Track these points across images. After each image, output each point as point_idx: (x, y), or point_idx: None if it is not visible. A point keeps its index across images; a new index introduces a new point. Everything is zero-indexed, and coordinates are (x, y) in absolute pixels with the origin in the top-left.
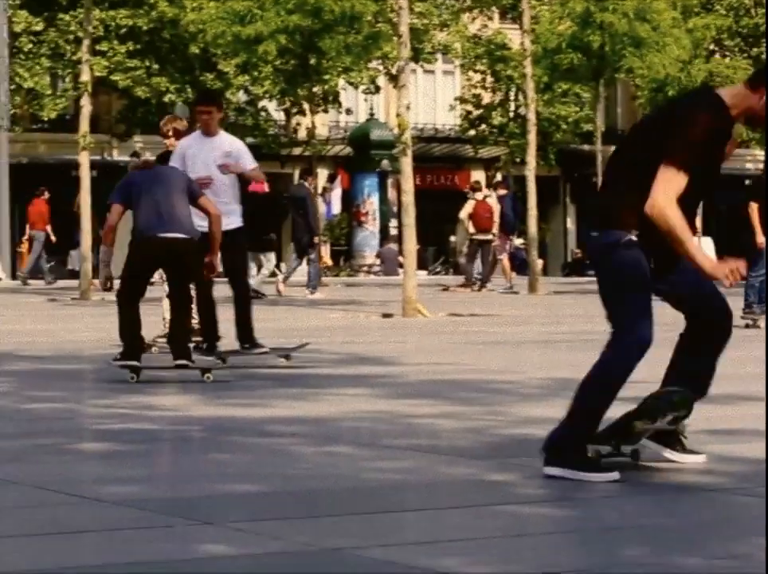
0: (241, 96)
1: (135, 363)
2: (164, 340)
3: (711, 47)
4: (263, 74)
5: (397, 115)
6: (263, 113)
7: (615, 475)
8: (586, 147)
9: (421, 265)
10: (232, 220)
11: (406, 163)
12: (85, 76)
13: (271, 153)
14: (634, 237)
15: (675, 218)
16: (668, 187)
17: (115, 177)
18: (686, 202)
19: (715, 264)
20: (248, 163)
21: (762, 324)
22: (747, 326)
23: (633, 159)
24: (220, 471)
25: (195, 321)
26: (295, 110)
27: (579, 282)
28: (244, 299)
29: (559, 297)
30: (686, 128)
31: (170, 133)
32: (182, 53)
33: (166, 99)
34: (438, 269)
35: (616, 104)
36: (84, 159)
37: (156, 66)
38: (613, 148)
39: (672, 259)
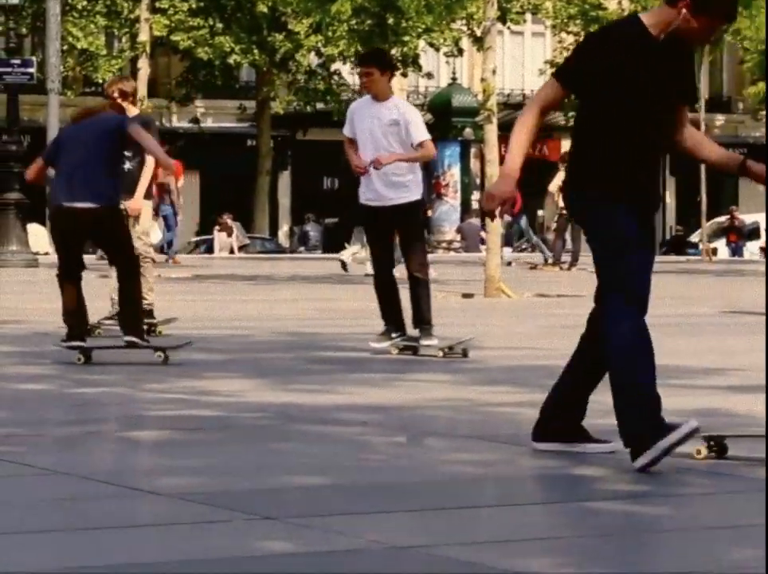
0: (313, 59)
1: (81, 343)
2: (111, 321)
3: None
4: (337, 34)
5: (482, 79)
6: (335, 77)
7: (611, 446)
8: (690, 115)
9: (507, 241)
10: (404, 193)
11: (491, 131)
12: (143, 36)
13: (344, 120)
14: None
15: (520, 124)
16: (536, 95)
17: (174, 145)
18: (632, 143)
19: (497, 193)
20: (417, 136)
21: None
22: None
23: (581, 110)
24: (283, 462)
25: (147, 302)
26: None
27: (678, 261)
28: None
29: (655, 277)
30: (574, 51)
31: (116, 94)
32: (248, 11)
33: (230, 60)
34: (525, 246)
35: (722, 68)
36: None
37: (220, 25)
38: (718, 116)
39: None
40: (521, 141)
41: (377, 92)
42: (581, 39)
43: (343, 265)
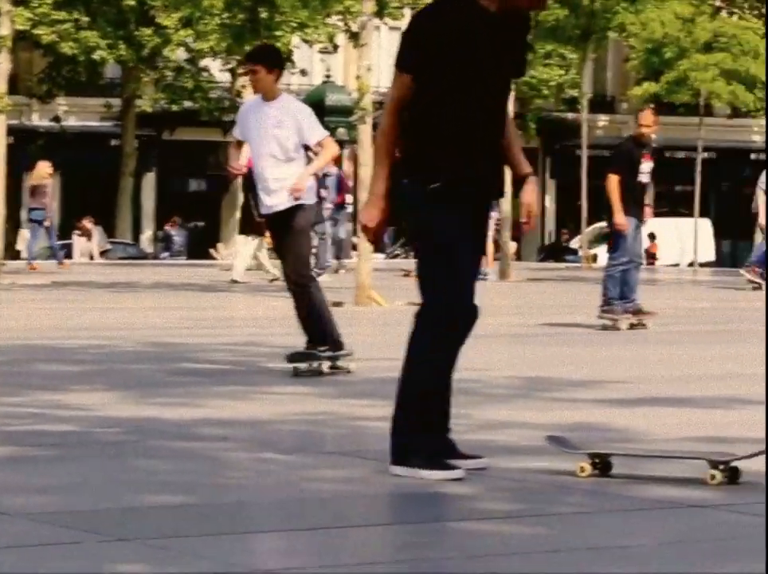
0: (181, 54)
1: None
2: None
3: (718, 3)
4: (207, 29)
5: (357, 77)
6: (204, 74)
7: (459, 472)
8: (570, 115)
9: (378, 247)
10: (284, 199)
11: (365, 132)
12: (5, 30)
13: (212, 119)
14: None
15: (381, 134)
16: (389, 97)
17: (34, 144)
18: (468, 119)
19: (370, 223)
20: (312, 136)
21: (623, 325)
22: (605, 328)
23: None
24: (140, 480)
25: None
26: (241, 70)
27: (557, 268)
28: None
29: (533, 285)
30: (406, 35)
31: None
32: (115, 5)
33: (95, 56)
34: (397, 252)
35: (605, 67)
36: (0, 123)
37: (86, 19)
38: (601, 117)
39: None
40: (385, 153)
41: (264, 92)
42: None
43: (234, 281)
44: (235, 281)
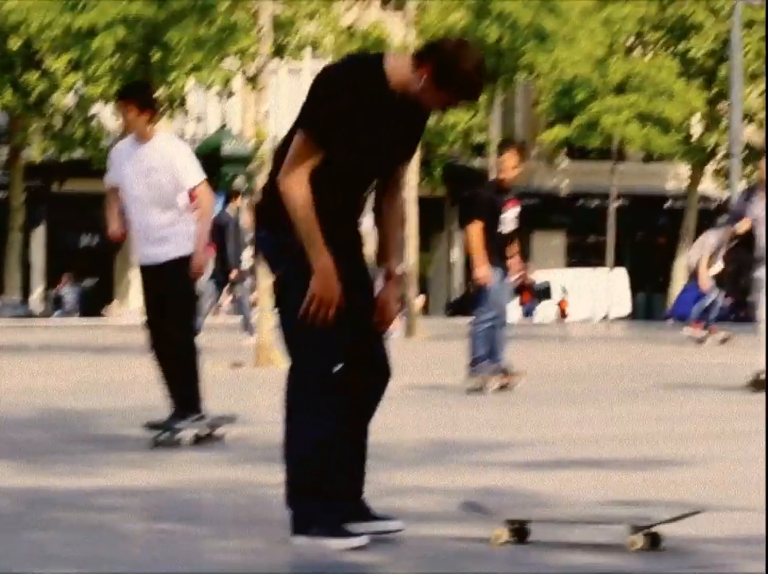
0: (71, 100)
1: None
2: None
3: (630, 42)
4: (97, 73)
5: (255, 123)
6: (95, 121)
7: (362, 540)
8: (478, 161)
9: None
10: (166, 248)
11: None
12: None
13: (103, 169)
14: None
15: (300, 199)
16: (295, 161)
17: None
18: (346, 192)
19: (326, 299)
20: (186, 181)
21: (492, 386)
22: (471, 390)
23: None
24: (34, 553)
25: None
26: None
27: (464, 324)
28: None
29: (440, 343)
30: (316, 95)
31: None
32: (0, 48)
33: None
34: None
35: (514, 110)
36: None
37: None
38: None
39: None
40: (315, 224)
41: (136, 132)
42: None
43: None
44: None
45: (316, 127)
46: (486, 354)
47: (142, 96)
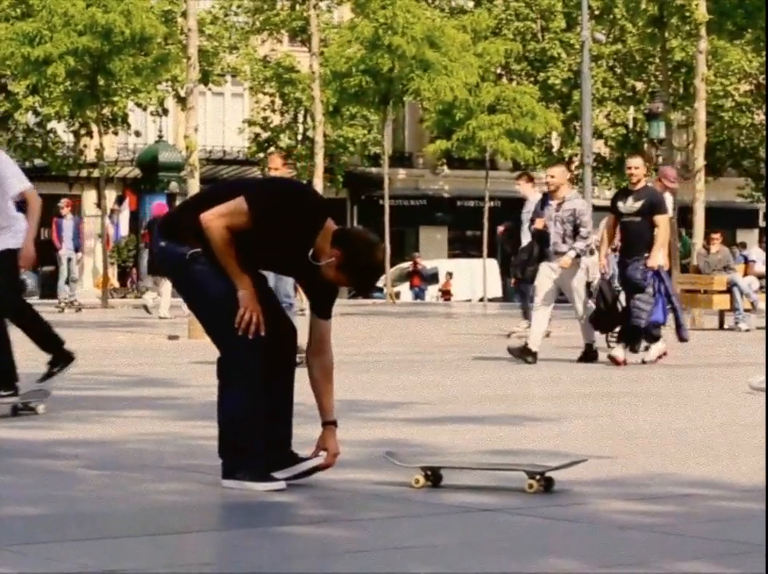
0: (31, 118)
1: None
2: None
3: (499, 71)
4: (53, 95)
5: (185, 137)
6: (51, 135)
7: (281, 484)
8: (374, 169)
9: None
10: None
11: (194, 185)
12: None
13: (60, 175)
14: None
15: (222, 238)
16: (228, 213)
17: None
18: (246, 259)
19: (255, 306)
20: (14, 187)
21: None
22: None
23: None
24: (1, 494)
25: None
26: (84, 131)
27: (366, 304)
28: None
29: (346, 319)
30: (274, 191)
31: None
32: None
33: None
34: None
35: (403, 126)
36: None
37: None
38: (400, 171)
39: None
40: (234, 258)
41: None
42: (277, 99)
43: (146, 307)
44: (162, 318)
45: (258, 209)
46: None
47: None
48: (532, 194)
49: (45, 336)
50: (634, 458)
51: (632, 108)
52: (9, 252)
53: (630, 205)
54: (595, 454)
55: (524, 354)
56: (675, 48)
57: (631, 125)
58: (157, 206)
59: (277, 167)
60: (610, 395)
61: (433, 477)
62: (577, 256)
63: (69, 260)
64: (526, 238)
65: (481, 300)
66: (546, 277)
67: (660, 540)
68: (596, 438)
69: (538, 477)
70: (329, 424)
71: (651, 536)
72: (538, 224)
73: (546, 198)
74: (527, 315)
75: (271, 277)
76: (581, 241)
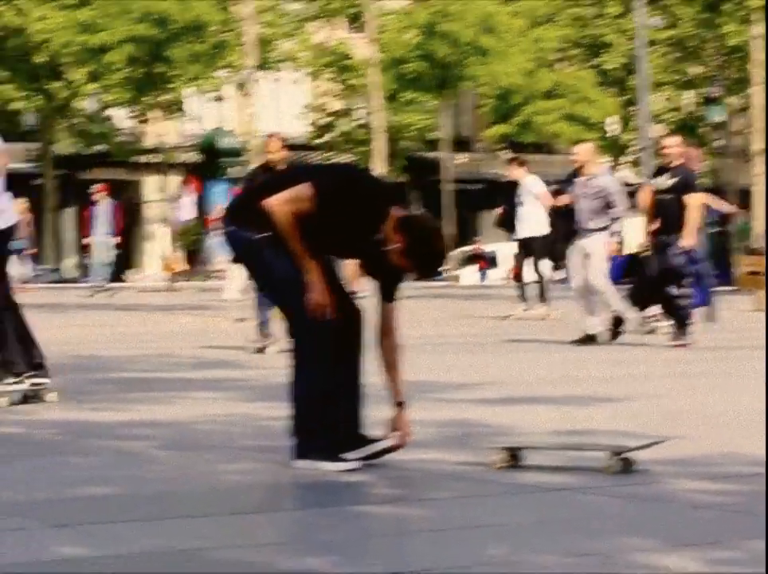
0: (90, 104)
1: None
2: None
3: (555, 56)
4: (111, 82)
5: (243, 123)
6: (110, 121)
7: (354, 464)
8: (432, 154)
9: None
10: None
11: None
12: None
13: (120, 160)
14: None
15: (288, 222)
16: (293, 199)
17: None
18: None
19: (324, 294)
20: None
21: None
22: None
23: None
24: (75, 474)
25: None
26: (143, 118)
27: (431, 286)
28: None
29: (410, 301)
30: (339, 177)
31: None
32: (28, 62)
33: (13, 107)
34: None
35: (461, 112)
36: None
37: (4, 74)
38: (460, 155)
39: None
40: (300, 243)
41: None
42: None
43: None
44: (230, 300)
45: (323, 195)
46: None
47: None
48: (524, 178)
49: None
50: (704, 437)
51: (689, 93)
52: None
53: (663, 181)
54: (666, 434)
55: (587, 341)
56: (730, 33)
57: (688, 110)
58: (237, 191)
59: (275, 151)
60: (672, 376)
61: (513, 457)
62: (612, 234)
63: (102, 245)
64: (520, 222)
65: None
66: (578, 257)
67: (732, 518)
68: (665, 418)
69: (618, 456)
70: (400, 405)
71: (723, 515)
72: (564, 200)
73: (572, 176)
74: (522, 297)
75: None
76: (616, 222)
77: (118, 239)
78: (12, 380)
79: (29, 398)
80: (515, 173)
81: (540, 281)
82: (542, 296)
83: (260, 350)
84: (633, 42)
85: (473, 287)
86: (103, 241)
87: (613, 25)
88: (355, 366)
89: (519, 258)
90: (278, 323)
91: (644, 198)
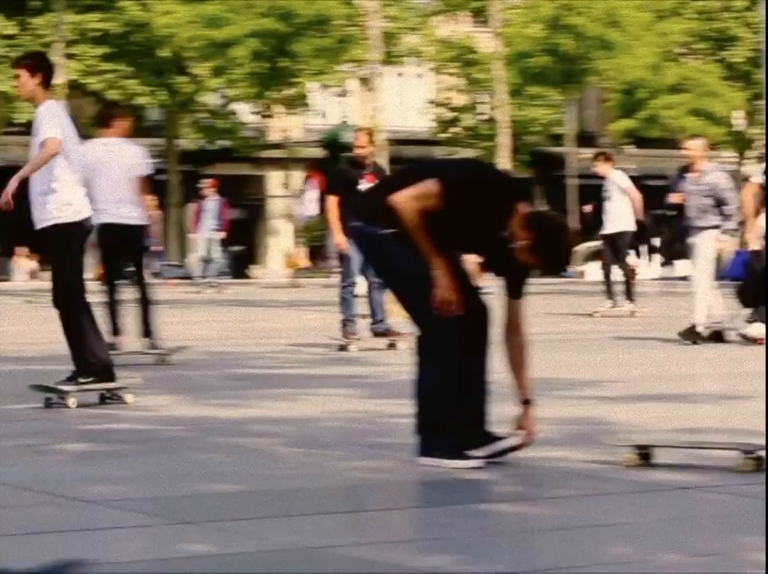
0: (215, 99)
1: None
2: None
3: (681, 50)
4: (236, 77)
5: (369, 117)
6: (234, 116)
7: (478, 462)
8: (557, 149)
9: None
10: (42, 216)
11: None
12: (59, 79)
13: (244, 156)
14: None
15: (415, 219)
16: (420, 195)
17: None
18: (445, 241)
19: (447, 297)
20: (40, 136)
21: (352, 347)
22: (341, 349)
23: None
24: (200, 471)
25: None
26: (267, 113)
27: (556, 282)
28: None
29: (535, 298)
30: (467, 172)
31: None
32: (153, 56)
33: (138, 102)
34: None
35: (586, 106)
36: None
37: (129, 69)
38: (585, 150)
39: None
40: (427, 238)
41: (26, 97)
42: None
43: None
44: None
45: (450, 190)
46: (351, 314)
47: (32, 61)
48: (610, 173)
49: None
50: None
51: None
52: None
53: None
54: None
55: (691, 335)
56: None
57: None
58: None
59: (364, 145)
60: None
61: (643, 455)
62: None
63: (209, 240)
64: (606, 218)
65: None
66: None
67: None
68: None
69: (750, 455)
70: (526, 402)
71: None
72: (675, 198)
73: (683, 171)
74: (609, 294)
75: (352, 258)
76: (729, 221)
77: (224, 235)
78: (84, 380)
79: (107, 399)
80: (602, 168)
81: (627, 277)
82: (629, 293)
83: (343, 348)
84: (759, 36)
85: (598, 283)
86: (209, 238)
87: (739, 18)
88: (481, 363)
89: (607, 254)
90: (394, 319)
91: (752, 192)
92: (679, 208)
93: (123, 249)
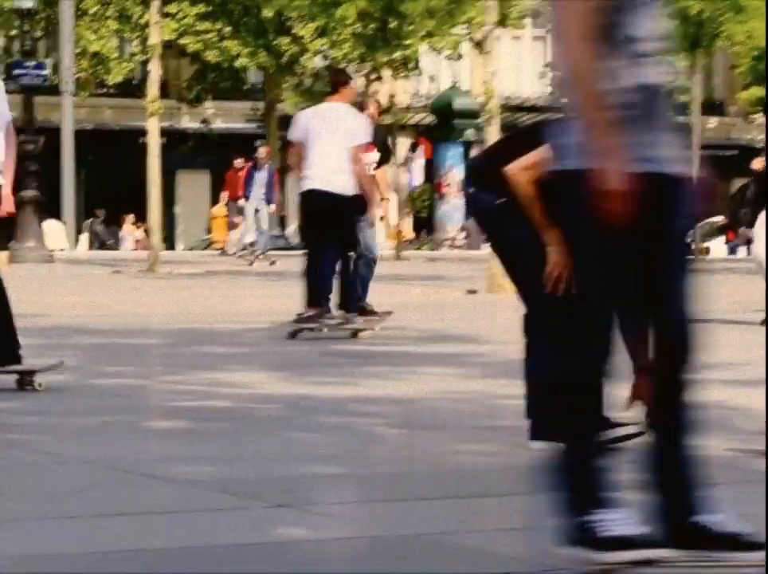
0: (318, 62)
1: None
2: None
3: None
4: (341, 38)
5: (484, 82)
6: None
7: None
8: (682, 118)
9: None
10: None
11: (492, 134)
12: (154, 39)
13: None
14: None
15: (529, 194)
16: (532, 165)
17: (184, 144)
18: None
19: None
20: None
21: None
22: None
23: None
24: (297, 452)
25: None
26: (374, 76)
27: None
28: None
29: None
30: None
31: None
32: (255, 16)
33: (237, 63)
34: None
35: (714, 73)
36: (153, 125)
37: (228, 29)
38: (711, 119)
39: None
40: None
41: None
42: None
43: None
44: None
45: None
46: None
47: None
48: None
49: None
50: None
51: None
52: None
53: None
54: None
55: None
56: None
57: None
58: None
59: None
60: None
61: None
62: None
63: (257, 211)
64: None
65: None
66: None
67: None
68: None
69: None
70: (641, 370)
71: None
72: (757, 164)
73: None
74: None
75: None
76: None
77: (273, 208)
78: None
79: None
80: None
81: None
82: None
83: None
84: None
85: (721, 260)
86: (259, 208)
87: None
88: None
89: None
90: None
91: None
92: (757, 176)
93: (329, 218)
